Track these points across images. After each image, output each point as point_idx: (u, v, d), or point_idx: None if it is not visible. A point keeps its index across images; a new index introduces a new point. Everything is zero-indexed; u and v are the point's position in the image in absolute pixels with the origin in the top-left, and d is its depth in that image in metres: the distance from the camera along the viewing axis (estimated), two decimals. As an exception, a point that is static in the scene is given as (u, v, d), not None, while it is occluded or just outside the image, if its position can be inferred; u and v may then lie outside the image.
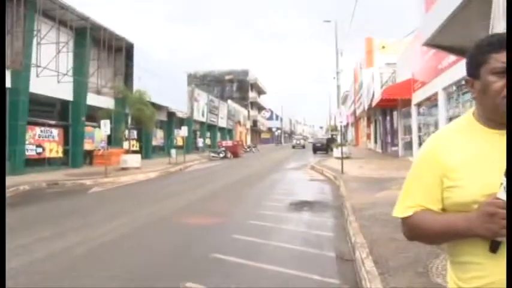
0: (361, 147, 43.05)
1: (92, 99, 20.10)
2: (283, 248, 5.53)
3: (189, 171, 19.70)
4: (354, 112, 46.08)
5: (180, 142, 29.52)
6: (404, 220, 1.28)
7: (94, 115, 19.39)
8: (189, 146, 33.93)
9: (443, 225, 1.18)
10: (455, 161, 1.20)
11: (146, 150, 26.27)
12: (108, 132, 15.91)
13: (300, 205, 8.98)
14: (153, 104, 21.44)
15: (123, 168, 17.74)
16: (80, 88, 19.01)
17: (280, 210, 8.41)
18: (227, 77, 64.53)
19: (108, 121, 15.71)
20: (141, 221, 7.52)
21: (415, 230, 1.25)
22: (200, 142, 39.65)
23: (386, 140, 27.69)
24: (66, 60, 17.83)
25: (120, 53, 22.48)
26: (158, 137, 29.86)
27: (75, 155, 19.05)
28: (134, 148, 23.92)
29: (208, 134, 42.54)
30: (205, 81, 64.15)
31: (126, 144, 21.46)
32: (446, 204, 1.23)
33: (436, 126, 15.48)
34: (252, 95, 67.04)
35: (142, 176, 15.93)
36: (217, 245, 5.66)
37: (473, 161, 1.17)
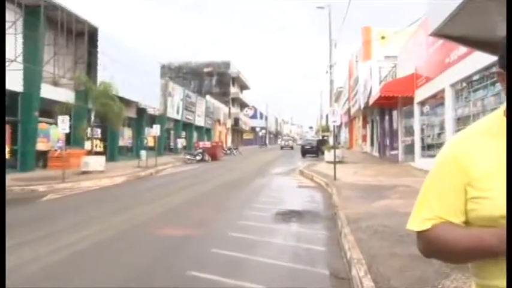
0: (355, 150, 43.41)
1: (48, 91, 19.62)
2: (269, 265, 5.49)
3: (161, 175, 19.55)
4: (348, 111, 46.49)
5: (151, 143, 29.20)
6: (421, 234, 1.24)
7: (50, 110, 18.91)
8: (162, 147, 33.64)
9: (468, 241, 1.15)
10: (482, 168, 1.17)
11: (112, 152, 25.93)
12: (67, 130, 15.57)
13: (288, 215, 8.98)
14: (121, 99, 21.13)
15: (85, 172, 17.45)
16: (32, 78, 18.44)
17: (266, 221, 8.40)
18: (206, 70, 64.30)
19: (66, 117, 15.38)
20: (106, 233, 7.38)
21: (435, 246, 1.22)
22: (179, 143, 39.44)
23: (385, 143, 27.96)
24: (15, 44, 17.10)
25: (82, 38, 22.08)
26: (126, 137, 29.51)
27: (25, 156, 18.39)
28: (98, 149, 23.55)
29: (183, 134, 42.31)
30: (181, 73, 63.79)
31: (88, 145, 21.09)
32: (470, 217, 1.20)
33: (442, 127, 15.69)
34: (233, 90, 66.96)
35: (107, 181, 15.72)
36: (193, 261, 5.60)
37: (504, 169, 1.13)
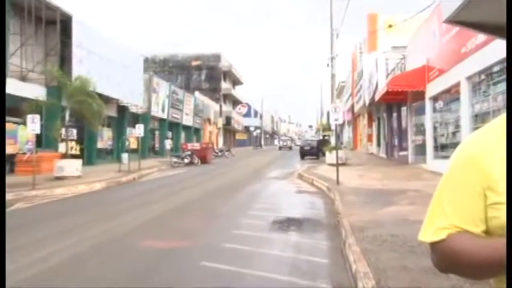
0: (360, 151, 43.52)
1: (14, 87, 19.36)
2: (266, 279, 5.45)
3: (145, 181, 19.52)
4: (352, 108, 46.61)
5: (134, 144, 29.09)
6: (436, 246, 1.22)
7: (17, 108, 18.72)
8: (146, 149, 33.56)
9: (489, 253, 1.12)
10: (504, 170, 1.14)
11: (89, 155, 25.82)
12: (38, 131, 15.42)
13: (286, 223, 8.97)
14: (100, 96, 21.01)
15: (58, 178, 17.34)
16: (-6, 71, 18.33)
17: (262, 230, 8.38)
18: (194, 63, 64.32)
19: (37, 116, 15.25)
20: (82, 246, 7.32)
21: (451, 259, 1.20)
22: (167, 144, 39.36)
23: (393, 143, 28.03)
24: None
25: (54, 27, 21.91)
26: (105, 138, 29.41)
27: (-13, 160, 18.35)
28: (73, 152, 23.43)
29: (169, 134, 42.24)
30: (167, 67, 63.81)
31: (62, 147, 20.93)
32: (491, 226, 1.17)
33: (457, 125, 15.69)
34: (225, 85, 66.98)
35: (84, 187, 15.64)
36: (181, 276, 5.56)
37: None
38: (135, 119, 31.64)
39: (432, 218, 1.24)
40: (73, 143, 24.09)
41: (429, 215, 1.26)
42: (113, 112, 28.94)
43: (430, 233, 1.23)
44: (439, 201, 1.24)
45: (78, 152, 24.53)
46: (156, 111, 37.06)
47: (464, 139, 1.29)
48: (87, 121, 20.32)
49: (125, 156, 24.10)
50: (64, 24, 22.42)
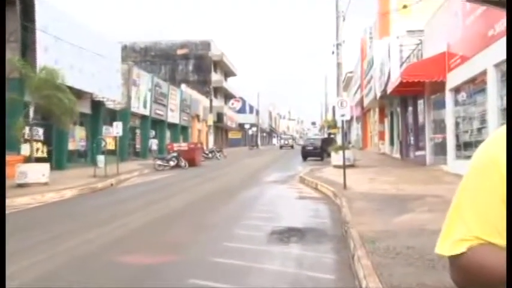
0: (370, 151, 43.58)
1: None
2: (263, 299, 5.43)
3: (125, 187, 19.49)
4: (361, 102, 46.68)
5: (111, 145, 29.00)
6: (454, 260, 1.23)
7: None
8: (125, 150, 33.50)
9: None
10: None
11: (59, 158, 25.71)
12: (-4, 131, 15.37)
13: (286, 234, 8.97)
14: (71, 89, 20.93)
15: (21, 185, 17.21)
16: None
17: (259, 242, 8.38)
18: (180, 52, 64.28)
19: (-5, 113, 15.17)
20: (51, 263, 7.30)
21: (472, 275, 1.20)
22: (154, 144, 39.29)
23: (408, 141, 28.09)
24: None
25: (13, 8, 21.62)
26: (78, 138, 29.31)
27: None
28: (39, 154, 23.31)
29: (152, 133, 42.18)
30: (149, 56, 63.73)
31: (26, 149, 20.75)
32: None
33: (483, 120, 15.67)
34: (216, 77, 66.94)
35: (52, 195, 15.56)
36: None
37: None
38: (113, 116, 31.53)
39: (450, 228, 1.24)
40: (39, 144, 23.94)
41: (447, 225, 1.26)
42: (86, 108, 28.85)
43: (448, 245, 1.23)
44: (458, 208, 1.25)
45: (45, 155, 24.38)
46: (137, 107, 37.00)
47: (486, 139, 1.29)
48: (56, 119, 20.17)
49: (100, 158, 23.98)
50: (25, 5, 22.16)
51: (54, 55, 22.57)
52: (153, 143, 40.87)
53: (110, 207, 13.32)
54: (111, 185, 19.53)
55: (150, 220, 11.09)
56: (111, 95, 30.67)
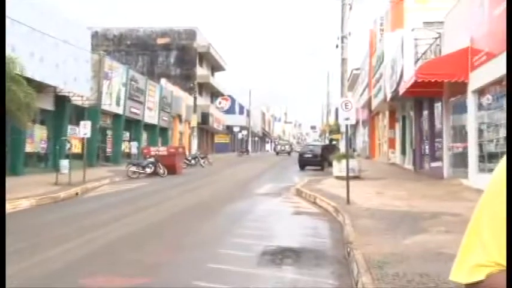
0: (378, 160, 43.69)
1: None
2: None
3: (92, 197, 19.44)
4: (368, 103, 46.79)
5: (77, 148, 28.92)
6: None
7: None
8: (94, 154, 33.38)
9: None
10: None
11: (14, 162, 25.59)
12: None
13: (280, 255, 8.98)
14: (29, 81, 20.84)
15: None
16: None
17: (247, 264, 8.38)
18: (160, 41, 64.29)
19: None
20: (6, 284, 7.17)
21: None
22: (134, 147, 39.20)
23: (423, 150, 28.16)
24: None
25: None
26: (37, 139, 29.16)
27: None
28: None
29: (127, 135, 42.08)
30: (124, 46, 63.61)
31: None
32: None
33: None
34: (201, 71, 66.98)
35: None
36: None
37: None
38: (80, 113, 31.43)
39: (467, 252, 1.27)
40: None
41: (464, 248, 1.29)
42: (48, 104, 28.76)
43: (464, 271, 1.26)
44: (476, 230, 1.28)
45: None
46: (109, 104, 36.88)
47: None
48: (11, 115, 20.01)
49: (64, 163, 23.87)
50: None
51: (10, 41, 22.40)
52: (133, 146, 40.67)
53: (74, 221, 13.24)
54: (76, 194, 19.48)
55: (122, 236, 11.07)
56: (79, 90, 30.55)
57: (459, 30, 20.30)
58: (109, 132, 39.07)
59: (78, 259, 8.82)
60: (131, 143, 40.76)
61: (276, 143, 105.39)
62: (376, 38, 43.92)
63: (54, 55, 26.50)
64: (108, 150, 38.96)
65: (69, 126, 30.06)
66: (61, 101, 29.96)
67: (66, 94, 29.76)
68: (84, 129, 23.70)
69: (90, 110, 33.17)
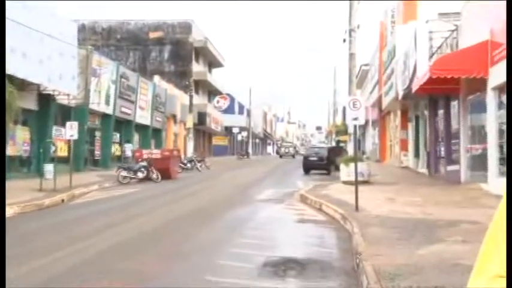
0: (390, 163, 43.69)
1: None
2: None
3: (79, 204, 19.44)
4: (379, 102, 46.82)
5: (63, 151, 28.93)
6: None
7: None
8: (82, 158, 33.38)
9: None
10: None
11: (-4, 165, 25.53)
12: None
13: (283, 267, 8.98)
14: (11, 79, 20.87)
15: None
16: None
17: (248, 276, 8.39)
18: (153, 35, 64.25)
19: None
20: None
21: None
22: (128, 150, 39.15)
23: (438, 153, 28.14)
24: None
25: None
26: (19, 141, 29.10)
27: None
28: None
29: (117, 137, 42.07)
30: (113, 40, 63.63)
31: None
32: None
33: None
34: (197, 68, 67.05)
35: (-13, 212, 15.43)
36: None
37: None
38: (66, 114, 31.44)
39: (485, 262, 1.29)
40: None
41: (482, 257, 1.31)
42: (31, 104, 28.76)
43: (482, 282, 1.27)
44: (494, 238, 1.29)
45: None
46: (97, 104, 36.84)
47: None
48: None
49: (49, 168, 23.85)
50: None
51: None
52: (127, 149, 40.56)
53: (61, 229, 13.27)
54: (62, 201, 19.46)
55: (112, 245, 11.07)
56: (64, 88, 30.54)
57: (478, 22, 20.27)
58: (98, 134, 39.00)
59: (65, 270, 8.83)
60: (125, 145, 40.62)
61: (279, 145, 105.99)
62: (386, 31, 43.95)
63: (37, 50, 26.45)
64: (97, 153, 38.90)
65: (54, 127, 30.10)
66: (45, 99, 29.94)
67: (51, 92, 29.74)
68: (71, 130, 23.68)
69: (77, 109, 33.13)
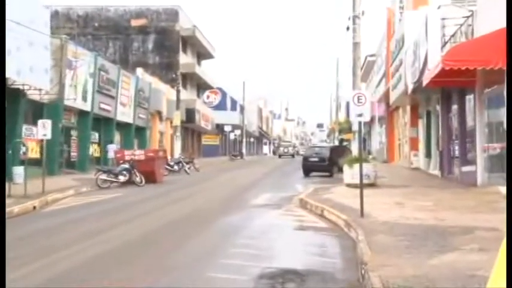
0: (398, 164, 43.78)
1: None
2: None
3: (53, 211, 19.35)
4: (386, 96, 46.89)
5: (34, 152, 28.87)
6: None
7: None
8: (55, 160, 33.31)
9: None
10: None
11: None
12: None
13: (280, 279, 9.00)
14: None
15: None
16: None
17: (241, 291, 8.33)
18: (135, 23, 64.22)
19: None
20: None
21: None
22: (111, 150, 38.95)
23: (452, 153, 28.17)
24: None
25: None
26: (-15, 142, 29.06)
27: None
28: None
29: (95, 136, 42.01)
30: (91, 28, 63.51)
31: None
32: None
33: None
34: (185, 59, 67.00)
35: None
36: None
37: None
38: (38, 111, 31.40)
39: (502, 272, 1.38)
40: None
41: (498, 267, 1.31)
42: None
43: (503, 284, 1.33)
44: None
45: None
46: (73, 99, 36.73)
47: None
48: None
49: (18, 171, 23.83)
50: None
51: None
52: (110, 150, 40.34)
53: (32, 240, 13.23)
54: (34, 208, 19.40)
55: (90, 258, 11.05)
56: (36, 82, 30.43)
57: (496, 7, 20.25)
58: (74, 133, 38.88)
59: (36, 286, 8.81)
60: (108, 145, 39.88)
61: (276, 144, 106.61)
62: (394, 18, 44.01)
63: (6, 40, 26.38)
64: (73, 154, 38.76)
65: (25, 126, 29.99)
66: (14, 95, 29.70)
67: (20, 87, 29.59)
68: (43, 129, 23.64)
69: (50, 106, 33.04)
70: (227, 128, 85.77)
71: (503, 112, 20.10)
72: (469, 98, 24.51)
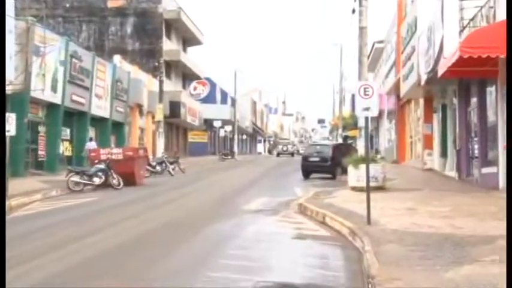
0: (410, 165, 43.80)
1: None
2: None
3: (17, 218, 19.33)
4: (396, 88, 46.89)
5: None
6: None
7: None
8: (21, 159, 33.22)
9: None
10: None
11: None
12: None
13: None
14: None
15: None
16: None
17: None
18: (112, 4, 64.09)
19: None
20: None
21: None
22: (91, 146, 38.85)
23: (470, 152, 28.18)
24: None
25: None
26: None
27: None
28: None
29: (67, 133, 41.91)
30: (62, 9, 63.32)
31: None
32: None
33: None
34: (169, 45, 66.90)
35: None
36: None
37: None
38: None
39: None
40: None
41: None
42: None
43: None
44: None
45: None
46: (41, 90, 36.65)
47: None
48: None
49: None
50: None
51: None
52: (90, 146, 40.14)
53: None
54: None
55: (60, 270, 11.03)
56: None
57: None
58: (42, 129, 38.91)
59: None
60: (87, 143, 39.28)
61: (272, 142, 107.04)
62: (405, 2, 44.03)
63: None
64: (41, 153, 38.72)
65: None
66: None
67: (-19, 77, 29.60)
68: (7, 124, 23.59)
69: (15, 98, 32.85)
70: (217, 124, 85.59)
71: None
72: (490, 91, 24.51)
